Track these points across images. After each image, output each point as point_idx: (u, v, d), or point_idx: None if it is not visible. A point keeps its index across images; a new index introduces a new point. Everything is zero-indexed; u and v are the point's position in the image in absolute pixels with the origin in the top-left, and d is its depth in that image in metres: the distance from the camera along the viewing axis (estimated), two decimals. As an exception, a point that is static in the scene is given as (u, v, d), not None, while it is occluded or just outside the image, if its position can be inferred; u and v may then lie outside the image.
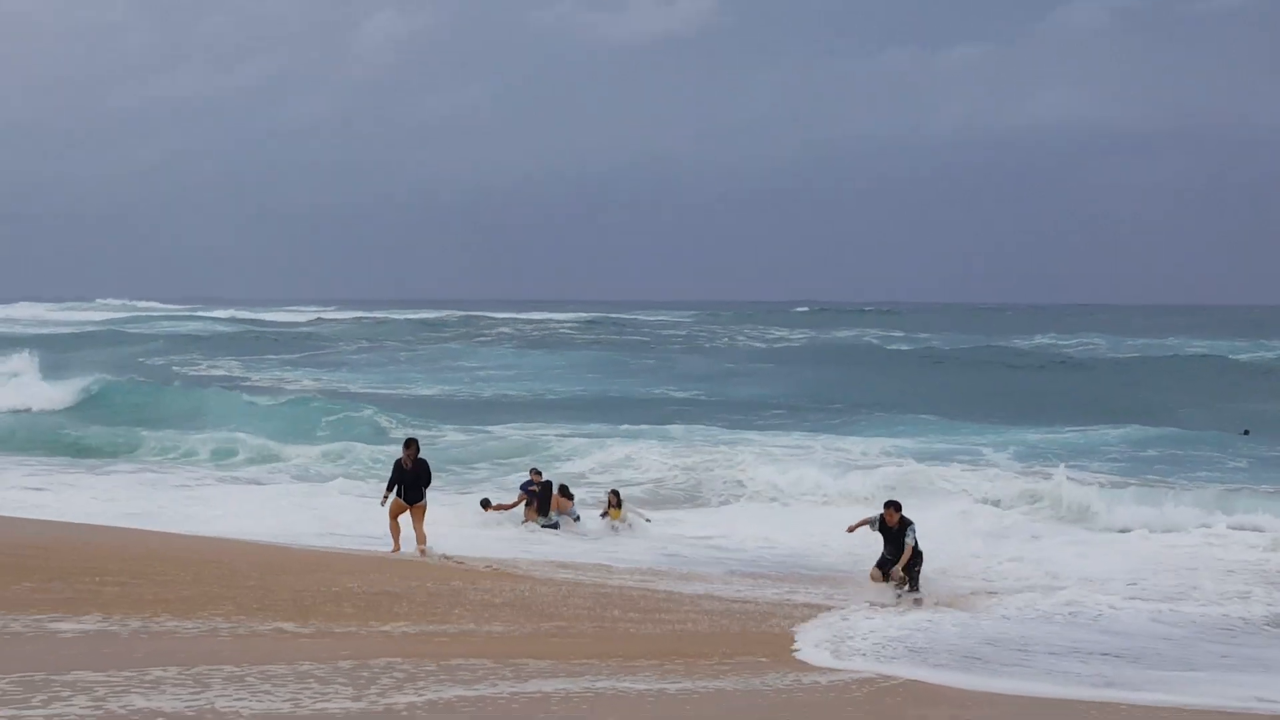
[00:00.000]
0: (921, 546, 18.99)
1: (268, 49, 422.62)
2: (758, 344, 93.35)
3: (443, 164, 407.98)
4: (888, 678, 13.18)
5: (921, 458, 31.72)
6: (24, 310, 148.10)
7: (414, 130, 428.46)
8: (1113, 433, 37.74)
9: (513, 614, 15.21)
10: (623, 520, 24.27)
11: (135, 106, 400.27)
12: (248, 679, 10.65)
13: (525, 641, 13.75)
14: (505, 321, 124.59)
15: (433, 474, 20.64)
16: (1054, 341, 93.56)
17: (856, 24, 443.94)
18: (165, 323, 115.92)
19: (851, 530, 19.77)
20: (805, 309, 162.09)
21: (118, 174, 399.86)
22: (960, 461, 31.82)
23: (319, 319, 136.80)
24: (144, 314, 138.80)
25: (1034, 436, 37.28)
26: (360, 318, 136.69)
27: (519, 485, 25.03)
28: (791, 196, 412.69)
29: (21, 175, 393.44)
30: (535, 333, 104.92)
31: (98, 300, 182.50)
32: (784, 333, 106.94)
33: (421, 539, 19.89)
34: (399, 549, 19.98)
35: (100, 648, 11.48)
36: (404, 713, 10.14)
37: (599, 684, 11.76)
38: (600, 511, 24.69)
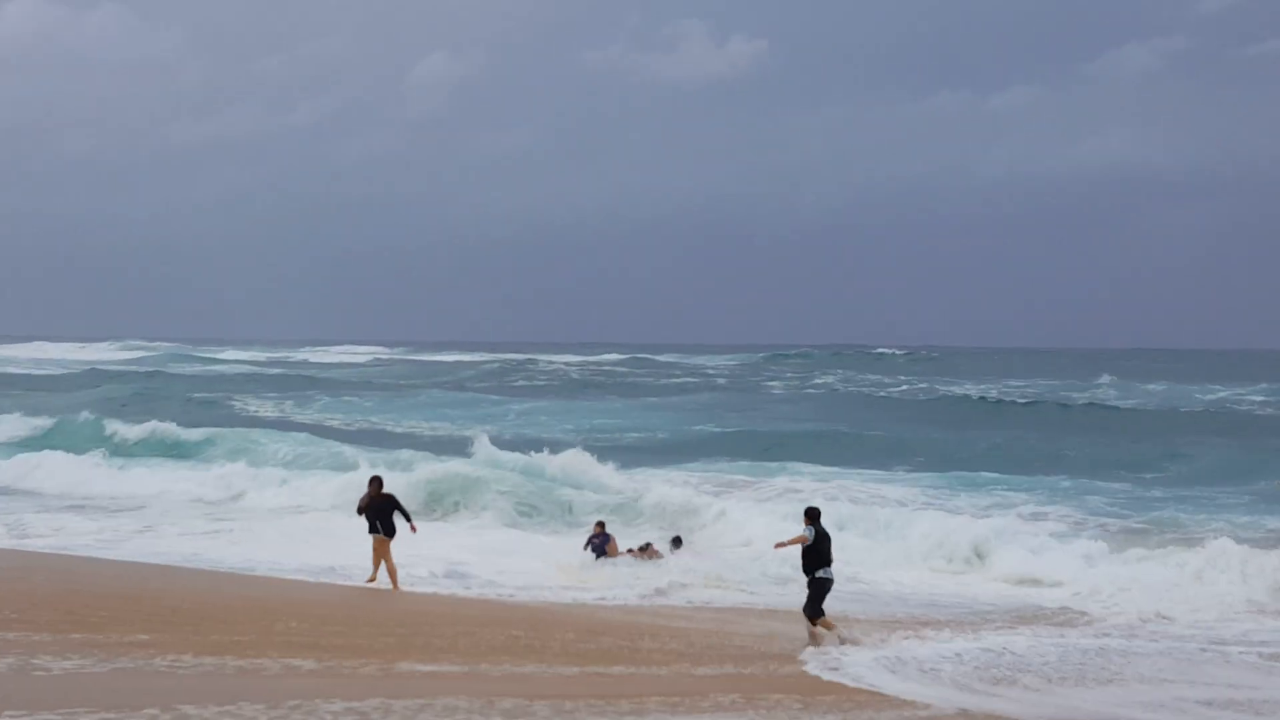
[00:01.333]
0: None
1: (321, 89, 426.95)
2: (863, 389, 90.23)
3: (494, 204, 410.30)
4: None
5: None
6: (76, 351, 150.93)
7: (465, 170, 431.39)
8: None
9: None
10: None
11: (190, 145, 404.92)
12: None
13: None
14: (583, 365, 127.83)
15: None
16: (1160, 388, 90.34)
17: (907, 67, 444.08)
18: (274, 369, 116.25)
19: (783, 546, 19.22)
20: (894, 350, 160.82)
21: (172, 212, 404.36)
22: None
23: (376, 359, 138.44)
24: (229, 360, 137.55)
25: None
26: (435, 360, 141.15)
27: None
28: (840, 238, 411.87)
29: (78, 214, 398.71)
30: (645, 378, 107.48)
31: (158, 343, 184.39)
32: (879, 378, 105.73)
33: (391, 572, 20.71)
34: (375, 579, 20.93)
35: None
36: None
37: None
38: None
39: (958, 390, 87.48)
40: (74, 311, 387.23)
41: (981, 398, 77.07)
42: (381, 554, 20.69)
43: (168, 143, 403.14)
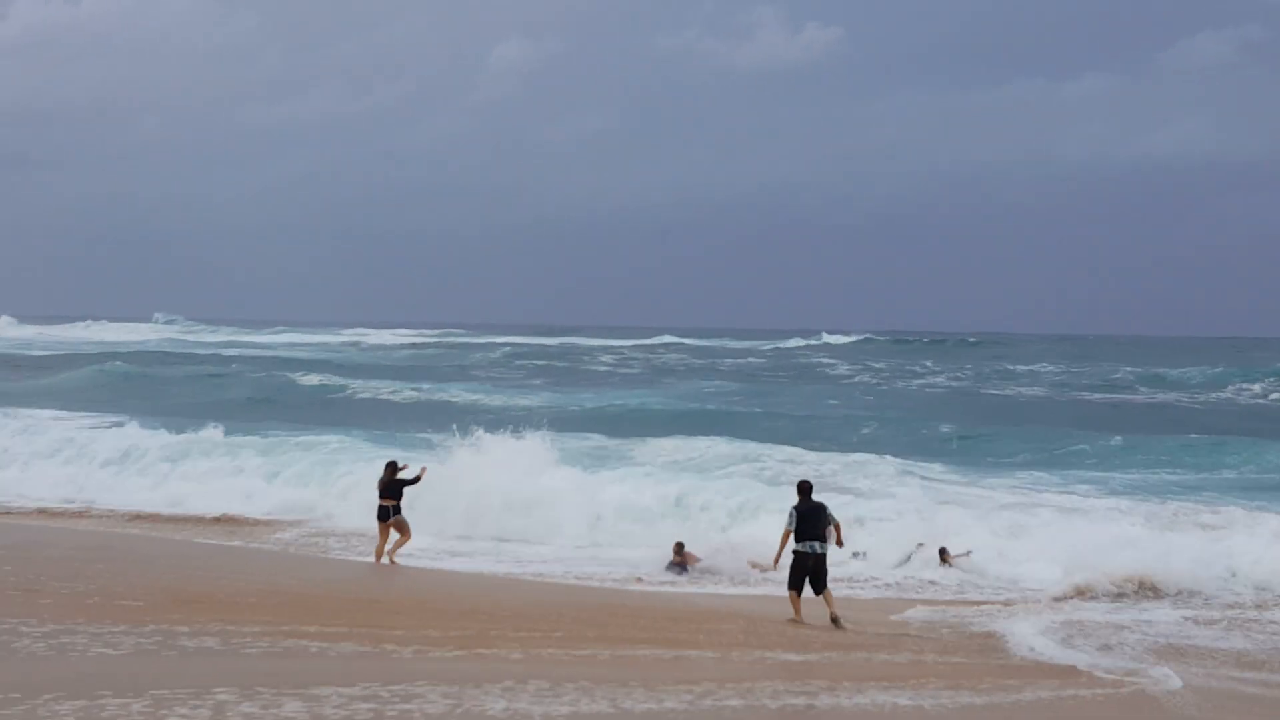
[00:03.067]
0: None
1: (395, 74, 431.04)
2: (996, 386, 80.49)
3: (565, 189, 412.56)
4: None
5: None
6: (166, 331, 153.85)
7: (537, 155, 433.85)
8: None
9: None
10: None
11: (264, 128, 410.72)
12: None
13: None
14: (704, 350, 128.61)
15: None
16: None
17: (982, 54, 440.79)
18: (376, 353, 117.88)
19: (778, 560, 18.84)
20: (974, 340, 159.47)
21: (248, 194, 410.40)
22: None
23: (510, 344, 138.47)
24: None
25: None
26: (535, 343, 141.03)
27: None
28: (912, 225, 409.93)
29: (156, 196, 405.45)
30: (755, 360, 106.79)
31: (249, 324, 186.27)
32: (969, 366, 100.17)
33: (390, 555, 22.08)
34: (379, 561, 22.18)
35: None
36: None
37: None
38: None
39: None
40: (142, 291, 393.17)
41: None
42: (387, 532, 22.24)
43: (242, 126, 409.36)
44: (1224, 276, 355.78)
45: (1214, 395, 72.96)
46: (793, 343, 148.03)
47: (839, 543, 18.83)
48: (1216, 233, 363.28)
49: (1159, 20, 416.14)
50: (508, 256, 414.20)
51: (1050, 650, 17.23)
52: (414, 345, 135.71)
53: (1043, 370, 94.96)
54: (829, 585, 18.47)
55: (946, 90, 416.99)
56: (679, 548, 24.37)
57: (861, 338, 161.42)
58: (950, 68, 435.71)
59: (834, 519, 18.52)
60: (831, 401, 63.78)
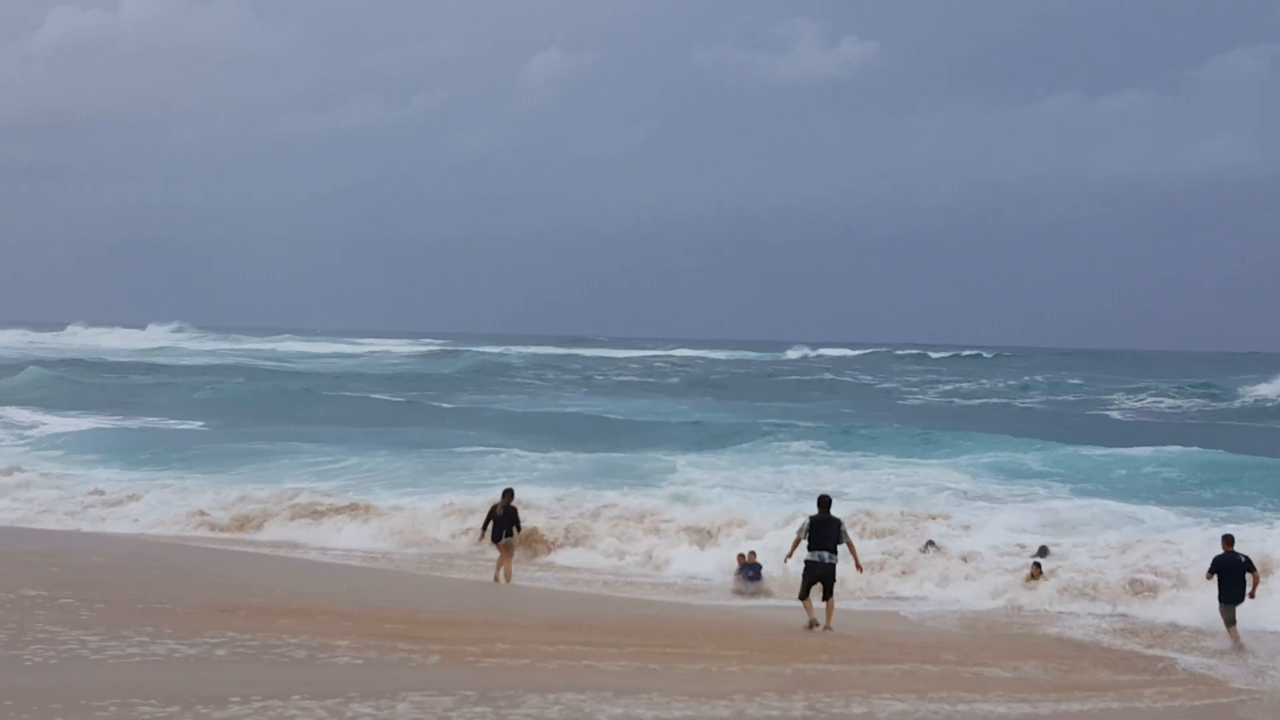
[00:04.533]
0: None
1: (434, 85, 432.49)
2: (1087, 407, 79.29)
3: (601, 201, 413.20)
4: None
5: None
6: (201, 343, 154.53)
7: (574, 166, 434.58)
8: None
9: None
10: None
11: (302, 138, 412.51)
12: None
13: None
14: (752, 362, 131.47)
15: None
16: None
17: (1018, 70, 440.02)
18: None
19: (790, 557, 20.14)
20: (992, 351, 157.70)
21: (285, 204, 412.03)
22: None
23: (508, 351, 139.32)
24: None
25: None
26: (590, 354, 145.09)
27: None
28: (947, 240, 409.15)
29: (193, 205, 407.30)
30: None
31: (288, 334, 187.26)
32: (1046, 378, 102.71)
33: (508, 574, 22.66)
34: (498, 580, 22.75)
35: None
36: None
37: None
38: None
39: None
40: (179, 299, 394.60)
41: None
42: (505, 556, 22.81)
43: (279, 136, 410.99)
44: (1262, 292, 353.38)
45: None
46: (853, 352, 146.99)
47: (858, 566, 20.21)
48: (1254, 249, 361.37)
49: (1192, 37, 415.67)
50: (543, 267, 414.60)
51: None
52: (485, 357, 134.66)
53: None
54: (834, 595, 19.52)
55: (982, 105, 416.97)
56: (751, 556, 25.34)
57: (948, 353, 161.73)
58: (986, 83, 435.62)
59: (849, 538, 19.61)
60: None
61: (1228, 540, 20.37)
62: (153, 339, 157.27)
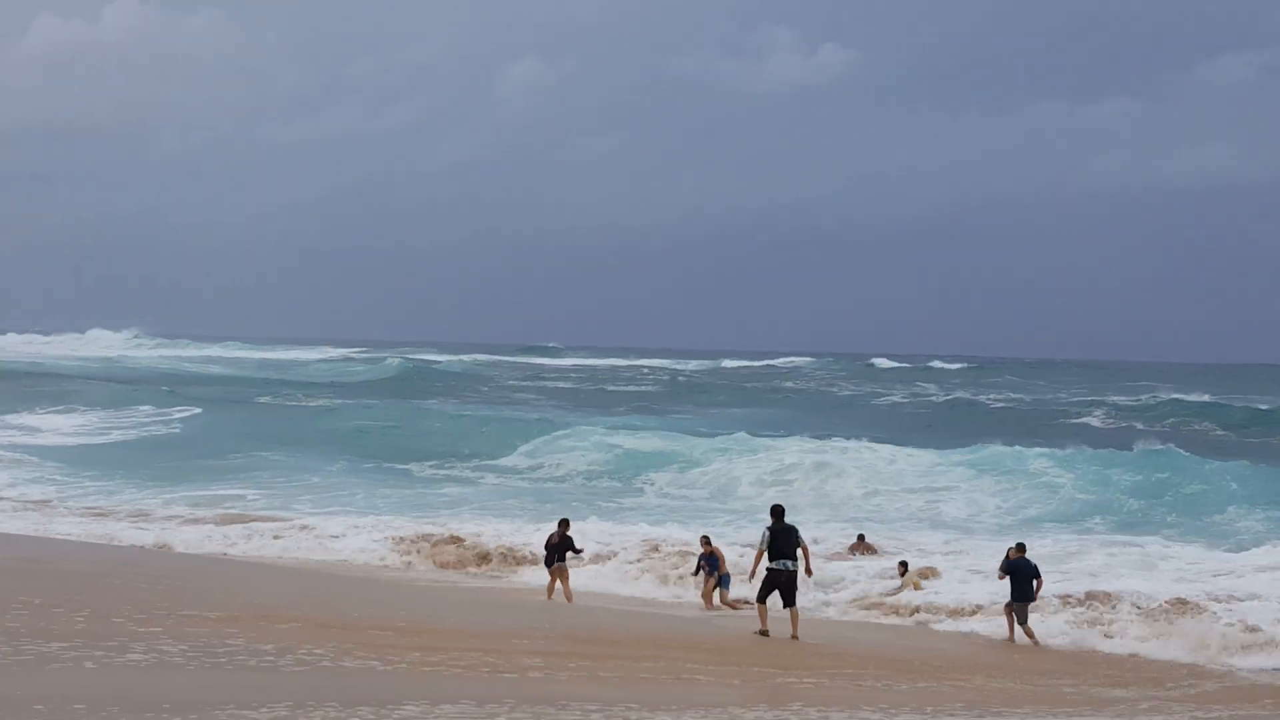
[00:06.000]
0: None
1: (412, 94, 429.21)
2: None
3: (580, 210, 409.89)
4: None
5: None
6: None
7: (552, 175, 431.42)
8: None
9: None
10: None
11: (282, 147, 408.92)
12: None
13: None
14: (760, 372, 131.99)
15: None
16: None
17: (1000, 78, 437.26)
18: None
19: (754, 576, 20.36)
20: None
21: (266, 211, 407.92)
22: None
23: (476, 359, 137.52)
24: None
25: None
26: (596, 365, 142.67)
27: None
28: (930, 249, 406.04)
29: (176, 214, 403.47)
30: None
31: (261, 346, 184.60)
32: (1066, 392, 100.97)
33: (568, 595, 23.61)
34: (550, 596, 23.76)
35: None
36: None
37: None
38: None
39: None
40: (165, 310, 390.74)
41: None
42: (561, 578, 23.78)
43: (261, 144, 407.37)
44: (1250, 302, 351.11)
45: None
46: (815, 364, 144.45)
47: (808, 570, 20.21)
48: (1240, 257, 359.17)
49: (1178, 43, 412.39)
50: (520, 276, 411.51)
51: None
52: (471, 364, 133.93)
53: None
54: (796, 604, 19.94)
55: (965, 113, 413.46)
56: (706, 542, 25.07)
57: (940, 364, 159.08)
58: (969, 91, 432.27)
59: (803, 543, 19.95)
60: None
61: (1020, 548, 22.90)
62: (106, 346, 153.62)
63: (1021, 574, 21.99)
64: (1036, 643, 21.66)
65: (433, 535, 28.94)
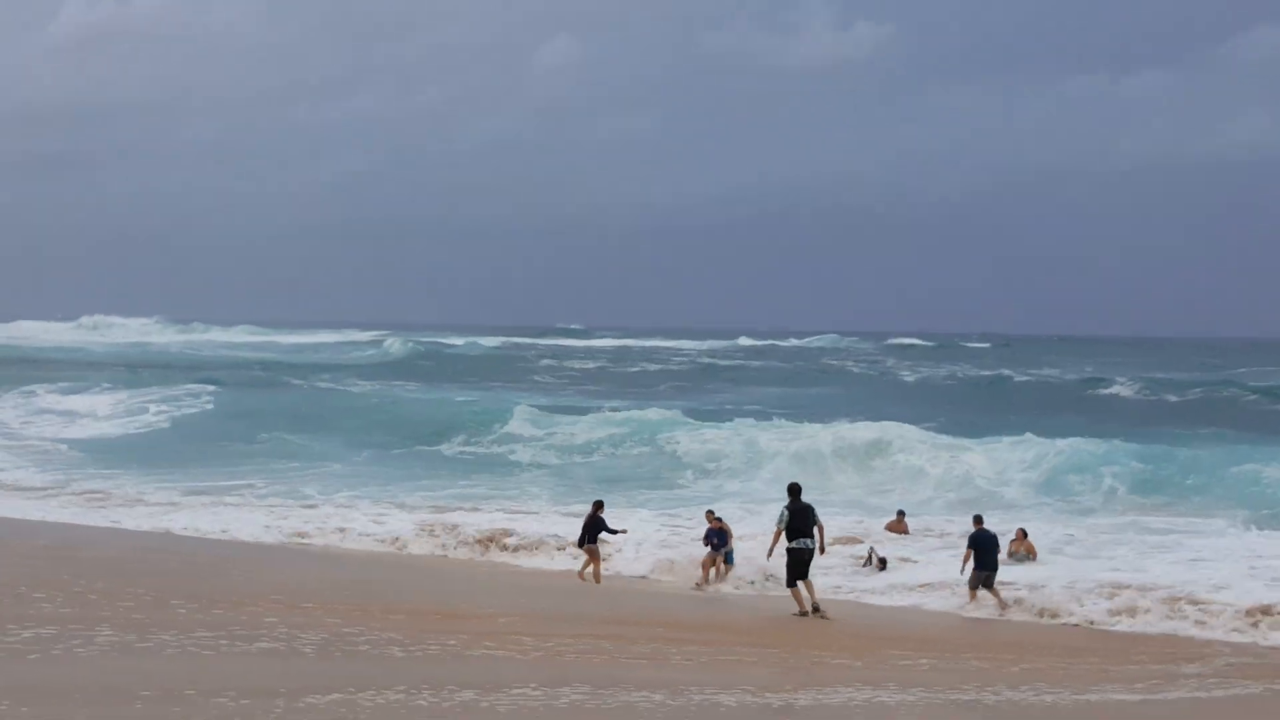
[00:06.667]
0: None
1: (444, 73, 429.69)
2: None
3: (615, 188, 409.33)
4: None
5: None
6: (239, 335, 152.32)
7: (587, 153, 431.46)
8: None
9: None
10: None
11: (315, 127, 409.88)
12: None
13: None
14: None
15: None
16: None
17: (1036, 52, 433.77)
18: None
19: (772, 553, 20.58)
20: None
21: (298, 192, 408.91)
22: None
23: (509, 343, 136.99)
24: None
25: None
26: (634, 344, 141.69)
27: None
28: (968, 225, 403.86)
29: (207, 196, 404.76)
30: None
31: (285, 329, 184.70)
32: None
33: (597, 577, 23.67)
34: (582, 578, 23.73)
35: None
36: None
37: None
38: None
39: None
40: (192, 293, 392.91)
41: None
42: (593, 560, 23.87)
43: (292, 125, 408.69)
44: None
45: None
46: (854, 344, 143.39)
47: (822, 548, 20.35)
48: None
49: (1212, 14, 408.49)
50: (555, 255, 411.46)
51: None
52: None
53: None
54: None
55: (1002, 89, 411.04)
56: (712, 516, 24.97)
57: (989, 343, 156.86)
58: (1005, 66, 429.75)
59: (819, 521, 20.16)
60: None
61: (978, 520, 23.79)
62: (141, 332, 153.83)
63: (986, 545, 22.43)
64: (1004, 606, 21.84)
65: (462, 523, 28.45)
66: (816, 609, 19.81)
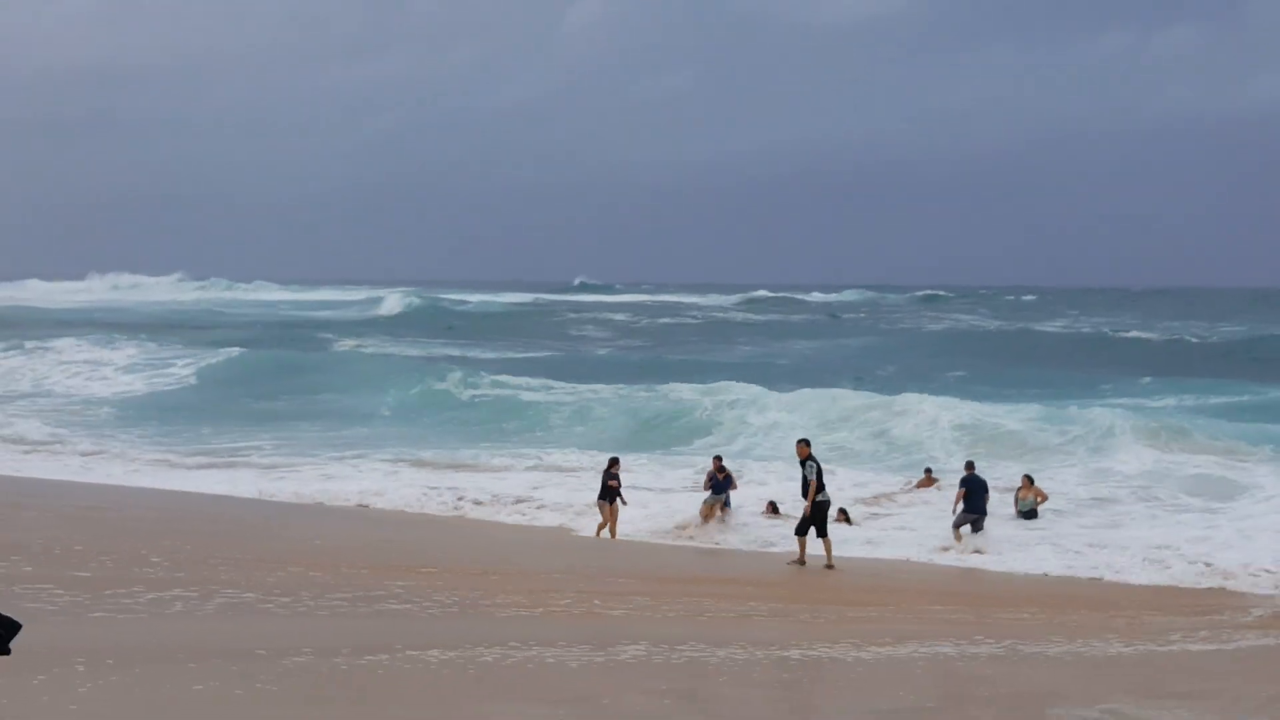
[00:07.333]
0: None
1: (476, 33, 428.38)
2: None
3: (645, 147, 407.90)
4: None
5: None
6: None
7: (617, 113, 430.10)
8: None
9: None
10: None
11: (348, 88, 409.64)
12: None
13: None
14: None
15: None
16: None
17: (1068, 8, 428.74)
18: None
19: (810, 509, 20.57)
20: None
21: (330, 154, 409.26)
22: None
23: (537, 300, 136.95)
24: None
25: None
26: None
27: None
28: (1000, 181, 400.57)
29: (239, 157, 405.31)
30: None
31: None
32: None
33: (613, 532, 23.65)
34: (599, 535, 23.63)
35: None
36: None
37: None
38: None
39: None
40: (225, 251, 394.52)
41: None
42: (609, 516, 23.72)
43: (323, 87, 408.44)
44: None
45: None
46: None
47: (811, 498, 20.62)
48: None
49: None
50: (586, 215, 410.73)
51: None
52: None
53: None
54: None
55: (1034, 45, 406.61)
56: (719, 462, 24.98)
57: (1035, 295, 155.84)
58: (1036, 22, 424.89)
59: (809, 477, 20.57)
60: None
61: (970, 465, 24.76)
62: (172, 291, 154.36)
63: (975, 488, 23.35)
64: (978, 551, 22.40)
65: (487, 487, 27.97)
66: (830, 565, 20.31)
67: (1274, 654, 15.32)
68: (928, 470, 29.31)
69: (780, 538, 22.75)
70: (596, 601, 15.45)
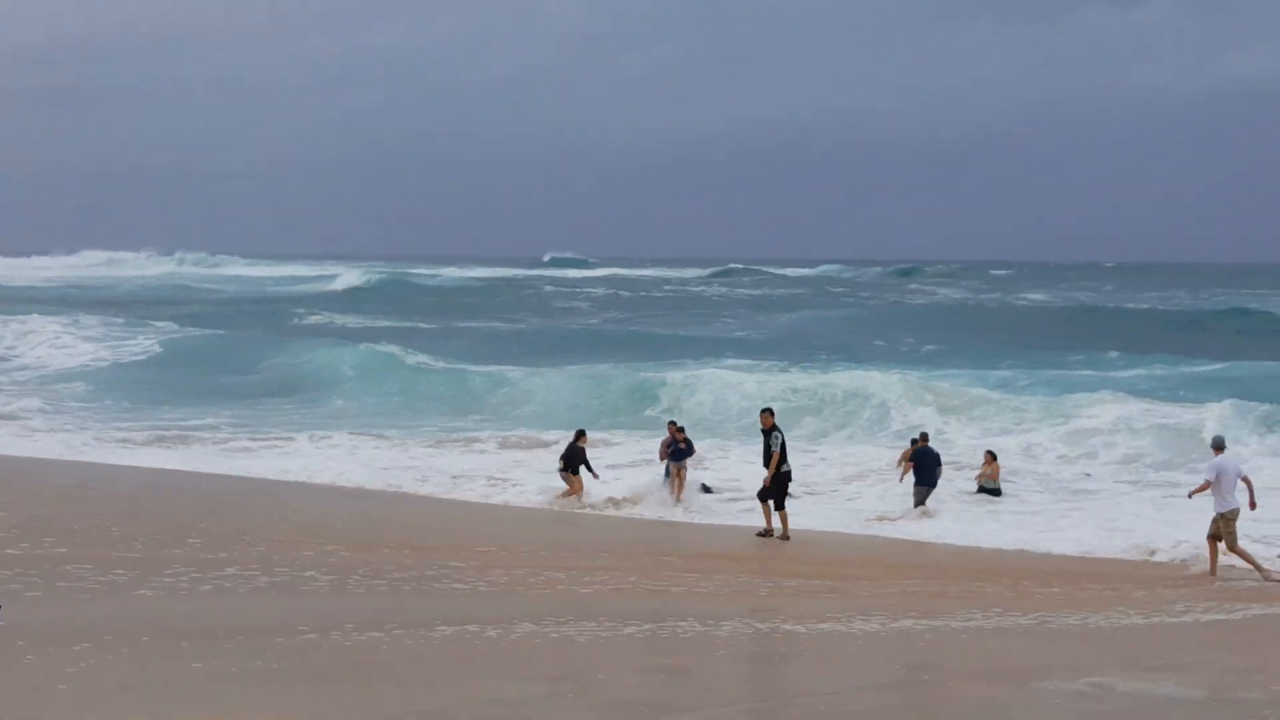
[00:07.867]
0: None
1: (456, 6, 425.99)
2: None
3: (634, 119, 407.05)
4: None
5: None
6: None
7: (605, 85, 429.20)
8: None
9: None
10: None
11: (328, 61, 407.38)
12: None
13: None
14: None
15: None
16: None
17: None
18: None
19: (772, 479, 20.44)
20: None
21: (310, 128, 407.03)
22: None
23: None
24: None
25: None
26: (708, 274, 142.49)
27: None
28: (977, 155, 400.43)
29: (219, 131, 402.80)
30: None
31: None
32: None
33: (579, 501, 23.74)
34: (557, 500, 23.78)
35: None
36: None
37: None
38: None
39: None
40: (202, 225, 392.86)
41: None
42: (574, 488, 23.95)
43: (304, 60, 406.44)
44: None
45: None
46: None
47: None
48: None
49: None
50: (573, 188, 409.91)
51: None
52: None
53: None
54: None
55: (1013, 21, 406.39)
56: (674, 428, 24.75)
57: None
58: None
59: (773, 448, 20.62)
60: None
61: (924, 437, 24.87)
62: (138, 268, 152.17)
63: (924, 461, 23.53)
64: (925, 514, 22.71)
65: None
66: (786, 537, 20.24)
67: (1260, 625, 15.35)
68: (915, 440, 28.50)
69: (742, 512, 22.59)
70: (585, 578, 15.55)
